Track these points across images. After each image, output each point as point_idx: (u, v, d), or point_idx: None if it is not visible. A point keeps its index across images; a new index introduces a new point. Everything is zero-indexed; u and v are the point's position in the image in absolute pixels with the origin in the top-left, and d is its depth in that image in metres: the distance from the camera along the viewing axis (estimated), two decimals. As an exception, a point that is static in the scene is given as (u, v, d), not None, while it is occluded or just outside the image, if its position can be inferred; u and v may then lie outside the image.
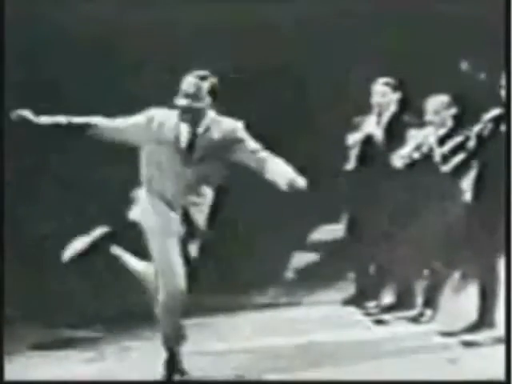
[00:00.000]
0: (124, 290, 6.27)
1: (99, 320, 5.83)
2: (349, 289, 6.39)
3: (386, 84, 6.25)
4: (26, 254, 6.60)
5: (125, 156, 7.31)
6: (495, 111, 5.32)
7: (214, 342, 5.34)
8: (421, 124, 5.93)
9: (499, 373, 4.20)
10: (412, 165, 5.71)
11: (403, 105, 6.27)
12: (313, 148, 7.01)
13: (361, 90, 7.17)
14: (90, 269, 6.57)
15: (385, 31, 7.30)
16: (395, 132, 6.12)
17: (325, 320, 5.85)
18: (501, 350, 4.44)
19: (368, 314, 5.98)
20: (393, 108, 6.25)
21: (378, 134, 6.20)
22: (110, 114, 7.28)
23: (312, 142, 7.08)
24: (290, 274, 6.90)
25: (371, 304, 6.11)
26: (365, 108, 6.72)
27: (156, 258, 4.63)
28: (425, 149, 5.72)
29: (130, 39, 7.13)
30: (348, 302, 6.26)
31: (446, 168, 5.55)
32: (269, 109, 7.05)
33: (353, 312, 6.07)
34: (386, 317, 5.83)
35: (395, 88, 6.24)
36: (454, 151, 5.52)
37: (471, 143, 5.40)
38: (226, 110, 4.93)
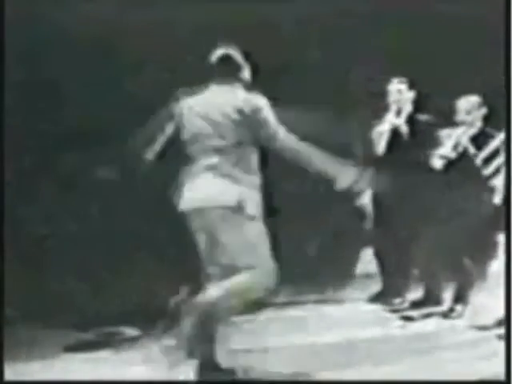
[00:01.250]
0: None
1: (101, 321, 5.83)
2: (373, 286, 6.41)
3: (402, 82, 6.29)
4: (25, 254, 6.60)
5: (124, 156, 7.33)
6: None
7: (253, 339, 5.23)
8: (437, 123, 6.00)
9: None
10: (449, 165, 5.77)
11: (418, 103, 6.31)
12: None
13: (361, 90, 7.19)
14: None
15: (385, 31, 7.30)
16: (415, 130, 6.17)
17: (354, 317, 5.86)
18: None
19: (395, 311, 5.98)
20: (409, 106, 6.28)
21: (404, 127, 6.23)
22: (109, 113, 7.31)
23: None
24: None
25: (397, 300, 6.12)
26: (365, 108, 6.73)
27: (249, 249, 4.29)
28: (460, 149, 5.78)
29: (130, 39, 7.13)
30: (374, 299, 6.28)
31: (486, 172, 5.62)
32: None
33: (380, 309, 6.06)
34: (414, 313, 5.84)
35: (410, 86, 6.28)
36: (492, 154, 5.62)
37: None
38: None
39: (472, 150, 5.73)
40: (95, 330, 5.64)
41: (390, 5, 7.13)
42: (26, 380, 4.64)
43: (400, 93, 6.30)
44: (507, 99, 5.36)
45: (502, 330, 5.00)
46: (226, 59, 4.63)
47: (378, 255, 6.41)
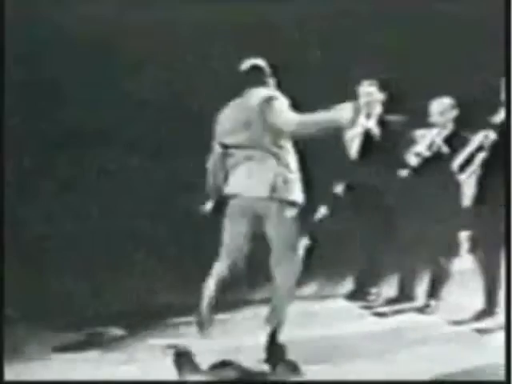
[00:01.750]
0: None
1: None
2: (347, 283, 6.50)
3: (372, 85, 6.33)
4: (25, 254, 6.60)
5: (124, 156, 7.35)
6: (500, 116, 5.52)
7: (230, 337, 5.22)
8: (409, 123, 6.16)
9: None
10: (424, 163, 5.95)
11: (389, 105, 6.35)
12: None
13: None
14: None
15: (385, 31, 7.30)
16: (386, 131, 6.25)
17: (332, 314, 5.94)
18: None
19: (370, 307, 6.07)
20: (379, 108, 6.32)
21: (374, 129, 6.27)
22: (109, 113, 7.31)
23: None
24: None
25: (372, 297, 6.21)
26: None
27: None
28: (434, 148, 5.96)
29: (130, 39, 7.14)
30: (350, 296, 6.35)
31: (463, 176, 5.77)
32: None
33: (356, 306, 6.14)
34: (389, 309, 5.99)
35: (381, 88, 6.32)
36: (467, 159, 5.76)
37: (483, 151, 5.62)
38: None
39: (445, 149, 5.90)
40: (91, 329, 5.65)
41: (390, 5, 7.14)
42: (26, 380, 4.64)
43: (370, 95, 6.35)
44: (507, 98, 5.38)
45: (478, 324, 5.36)
46: (253, 69, 4.89)
47: (353, 253, 6.48)
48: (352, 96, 6.97)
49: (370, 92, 6.31)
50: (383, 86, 6.36)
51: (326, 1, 7.25)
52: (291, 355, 4.65)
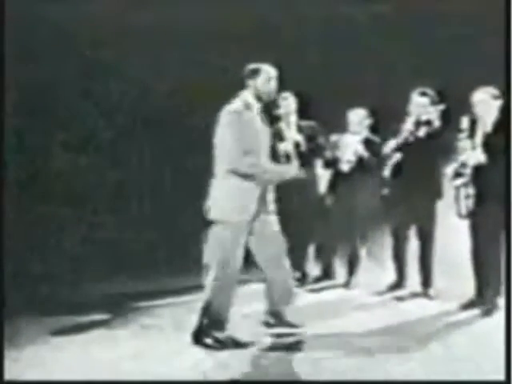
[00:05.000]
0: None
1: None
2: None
3: (287, 97, 6.64)
4: (26, 254, 6.62)
5: (126, 158, 7.37)
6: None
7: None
8: (321, 130, 6.72)
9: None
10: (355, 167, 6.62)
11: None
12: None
13: (361, 90, 7.20)
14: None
15: (385, 32, 7.32)
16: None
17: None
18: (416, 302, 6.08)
19: (301, 286, 6.58)
20: (294, 117, 6.68)
21: (302, 141, 6.61)
22: (109, 113, 7.33)
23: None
24: None
25: (300, 277, 6.74)
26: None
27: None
28: (357, 153, 6.60)
29: (130, 39, 7.16)
30: None
31: (385, 173, 6.44)
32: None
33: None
34: (318, 286, 6.71)
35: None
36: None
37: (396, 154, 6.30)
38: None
39: (365, 154, 6.55)
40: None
41: (391, 5, 7.16)
42: (26, 380, 4.64)
43: (287, 106, 6.64)
44: (507, 97, 5.40)
45: (394, 293, 6.24)
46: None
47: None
48: (352, 95, 7.02)
49: (288, 104, 6.65)
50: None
51: (325, 2, 7.26)
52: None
